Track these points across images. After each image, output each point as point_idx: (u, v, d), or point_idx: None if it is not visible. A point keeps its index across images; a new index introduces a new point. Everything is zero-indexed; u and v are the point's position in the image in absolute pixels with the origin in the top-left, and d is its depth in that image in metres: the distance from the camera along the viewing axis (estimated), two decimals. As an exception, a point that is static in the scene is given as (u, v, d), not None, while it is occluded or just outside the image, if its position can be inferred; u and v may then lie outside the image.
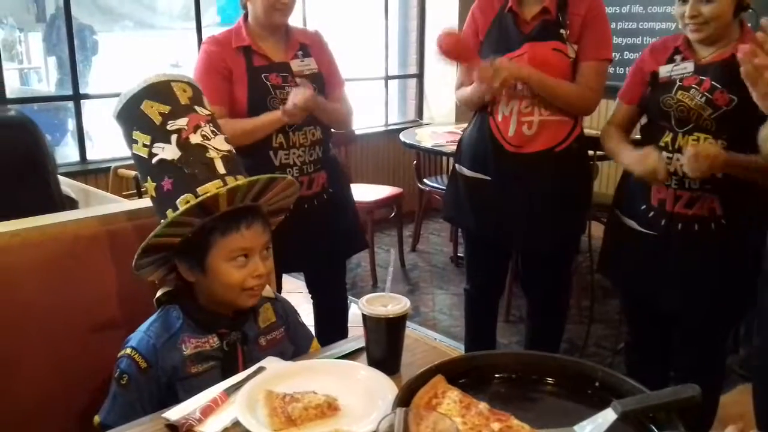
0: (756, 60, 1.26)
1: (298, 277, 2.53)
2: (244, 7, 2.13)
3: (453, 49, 1.97)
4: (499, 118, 2.11)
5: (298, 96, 1.97)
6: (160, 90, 1.26)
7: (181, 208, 1.19)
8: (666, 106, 1.83)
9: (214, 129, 1.29)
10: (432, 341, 1.41)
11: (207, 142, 1.25)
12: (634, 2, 4.25)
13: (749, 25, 1.83)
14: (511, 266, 2.93)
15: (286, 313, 1.40)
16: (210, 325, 1.26)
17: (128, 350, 1.22)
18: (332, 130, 2.27)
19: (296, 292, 2.56)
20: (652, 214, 1.90)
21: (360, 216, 2.50)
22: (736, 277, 1.86)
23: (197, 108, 1.29)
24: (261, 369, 1.15)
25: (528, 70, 1.99)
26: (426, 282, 3.87)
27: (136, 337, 1.24)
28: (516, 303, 3.31)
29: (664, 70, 1.87)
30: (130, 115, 1.26)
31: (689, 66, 1.83)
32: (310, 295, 2.46)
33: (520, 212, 2.13)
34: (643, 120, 2.03)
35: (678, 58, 1.86)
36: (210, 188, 1.20)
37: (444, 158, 4.34)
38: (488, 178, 2.17)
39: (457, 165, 2.30)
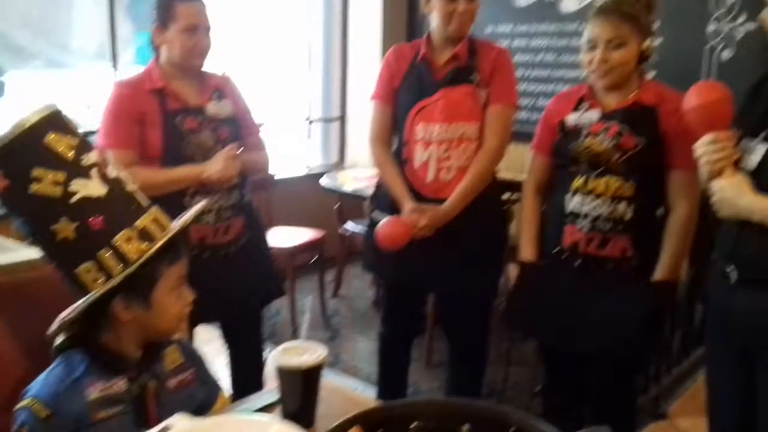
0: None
1: (213, 326, 2.44)
2: (156, 50, 2.08)
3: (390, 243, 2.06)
4: (416, 164, 2.14)
5: (222, 168, 1.96)
6: (60, 122, 1.16)
7: (122, 245, 1.12)
8: (576, 152, 1.90)
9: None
10: (350, 391, 1.37)
11: (120, 175, 1.19)
12: (546, 51, 4.45)
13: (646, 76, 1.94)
14: (431, 310, 2.94)
15: (193, 354, 1.35)
16: (117, 367, 1.18)
17: (26, 401, 1.12)
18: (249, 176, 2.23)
19: (211, 343, 2.46)
20: (565, 256, 1.94)
21: (280, 261, 2.45)
22: (647, 317, 1.92)
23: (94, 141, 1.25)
24: (167, 429, 1.08)
25: (443, 212, 2.07)
26: (347, 328, 3.82)
27: (34, 387, 1.15)
28: (437, 347, 3.30)
29: (572, 119, 1.94)
30: (27, 152, 1.11)
31: (595, 114, 1.91)
32: (225, 346, 2.36)
33: (439, 257, 2.14)
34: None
35: (584, 106, 1.94)
36: (146, 221, 1.16)
37: (366, 202, 4.34)
38: None
39: (375, 211, 2.30)
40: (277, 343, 1.30)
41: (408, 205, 2.09)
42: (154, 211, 1.19)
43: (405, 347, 2.45)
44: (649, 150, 1.83)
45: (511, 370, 3.06)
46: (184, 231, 1.20)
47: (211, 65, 2.18)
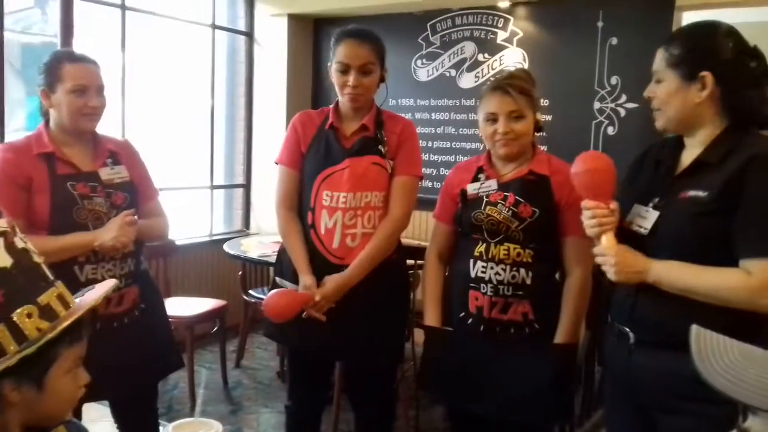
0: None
1: (103, 403, 2.27)
2: (45, 115, 2.00)
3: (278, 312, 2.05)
4: (322, 231, 2.12)
5: (116, 235, 1.87)
6: None
7: (21, 321, 1.02)
8: (477, 221, 1.95)
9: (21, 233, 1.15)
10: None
11: (27, 245, 1.11)
12: (447, 125, 4.65)
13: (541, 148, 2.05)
14: (338, 379, 2.87)
15: None
16: None
17: None
18: (145, 243, 2.14)
19: (100, 421, 2.28)
20: (470, 321, 1.96)
21: (179, 331, 2.33)
22: (552, 380, 1.95)
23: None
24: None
25: (344, 279, 2.07)
26: (250, 400, 3.66)
27: None
28: (344, 417, 3.22)
29: (472, 188, 2.01)
30: None
31: (493, 184, 1.99)
32: (116, 425, 2.19)
33: (345, 324, 2.11)
34: None
35: (482, 176, 2.02)
36: (50, 298, 1.07)
37: (271, 269, 4.26)
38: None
39: (278, 279, 2.24)
40: (174, 419, 1.22)
41: (304, 279, 2.07)
42: (59, 286, 1.11)
43: (313, 419, 2.37)
44: (544, 218, 1.92)
45: (419, 438, 3.01)
46: (88, 311, 1.12)
47: (108, 128, 2.11)
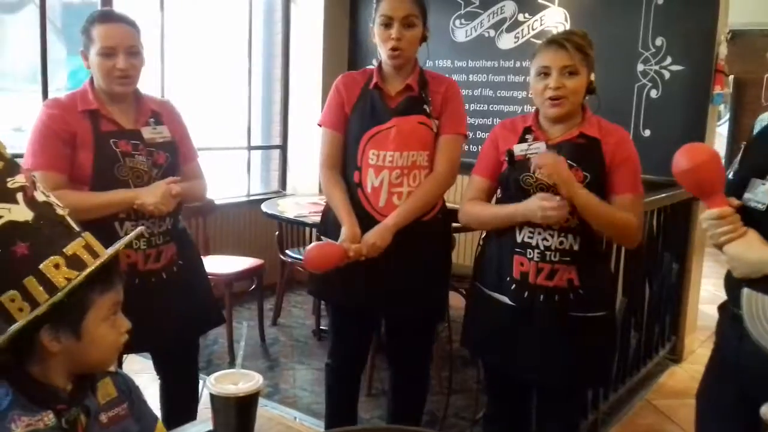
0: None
1: (145, 356, 2.35)
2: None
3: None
4: (369, 189, 2.14)
5: (158, 201, 1.92)
6: None
7: (49, 271, 1.06)
8: (526, 185, 1.90)
9: (45, 189, 1.18)
10: (288, 420, 1.34)
11: (50, 199, 1.13)
12: (485, 87, 4.57)
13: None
14: (374, 338, 2.91)
15: (129, 388, 1.28)
16: (45, 400, 1.10)
17: None
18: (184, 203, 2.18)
19: (143, 373, 2.37)
20: (514, 287, 1.94)
21: (218, 289, 2.40)
22: (595, 344, 1.95)
23: (20, 162, 1.18)
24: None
25: (384, 228, 2.07)
26: (287, 357, 3.75)
27: None
28: (378, 376, 3.28)
29: (519, 149, 1.95)
30: None
31: (542, 146, 1.92)
32: (158, 376, 2.28)
33: (390, 280, 2.13)
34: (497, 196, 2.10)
35: (529, 137, 1.96)
36: (76, 247, 1.10)
37: (307, 229, 4.31)
38: None
39: (323, 237, 2.28)
40: (214, 372, 1.26)
41: (345, 229, 2.08)
42: (86, 236, 1.13)
43: (353, 377, 2.42)
44: (595, 183, 1.86)
45: (452, 398, 3.06)
46: (115, 258, 1.15)
47: (147, 89, 2.13)
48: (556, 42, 1.88)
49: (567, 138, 1.92)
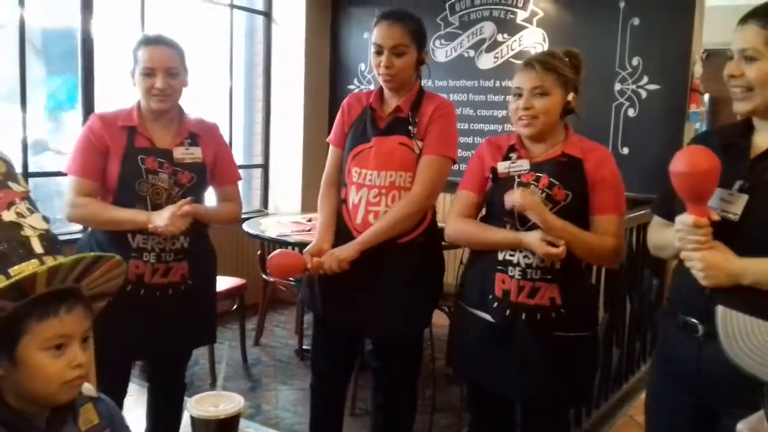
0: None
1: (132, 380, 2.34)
2: None
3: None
4: (350, 206, 2.17)
5: (167, 224, 1.98)
6: None
7: None
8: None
9: (30, 207, 1.16)
10: (271, 441, 1.33)
11: (22, 219, 1.12)
12: (466, 106, 4.62)
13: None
14: (357, 358, 2.90)
15: (111, 414, 1.25)
16: (20, 428, 1.08)
17: None
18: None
19: (127, 396, 2.33)
20: (496, 304, 1.94)
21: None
22: (576, 364, 1.95)
23: (11, 184, 1.17)
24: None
25: (352, 248, 2.11)
26: (269, 377, 3.71)
27: None
28: (361, 395, 3.26)
29: (503, 167, 1.96)
30: None
31: (525, 164, 1.94)
32: (146, 392, 2.32)
33: (364, 300, 2.15)
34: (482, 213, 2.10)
35: (513, 155, 1.97)
36: (25, 269, 1.06)
37: (289, 248, 4.29)
38: None
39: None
40: (194, 395, 1.25)
41: (314, 243, 2.19)
42: (47, 259, 1.09)
43: (337, 395, 2.41)
44: (578, 202, 1.88)
45: (435, 416, 3.05)
46: (64, 281, 1.10)
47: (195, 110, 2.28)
48: (528, 63, 1.93)
49: (549, 157, 1.93)
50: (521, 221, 1.89)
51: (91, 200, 2.05)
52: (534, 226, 1.86)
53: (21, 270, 1.06)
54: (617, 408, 3.41)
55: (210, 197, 2.31)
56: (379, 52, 2.13)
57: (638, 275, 3.55)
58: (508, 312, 1.92)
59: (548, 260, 1.85)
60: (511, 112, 1.96)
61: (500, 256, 1.93)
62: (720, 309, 1.01)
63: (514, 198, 1.83)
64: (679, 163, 1.45)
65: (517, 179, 1.92)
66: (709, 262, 1.42)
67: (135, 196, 2.05)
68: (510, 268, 1.91)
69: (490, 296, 1.95)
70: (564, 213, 1.86)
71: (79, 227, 3.38)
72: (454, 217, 2.06)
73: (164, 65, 2.07)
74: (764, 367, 0.94)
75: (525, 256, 1.89)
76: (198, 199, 2.16)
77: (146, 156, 2.07)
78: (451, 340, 2.17)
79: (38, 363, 1.07)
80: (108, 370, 1.82)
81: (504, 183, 1.94)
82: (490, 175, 1.98)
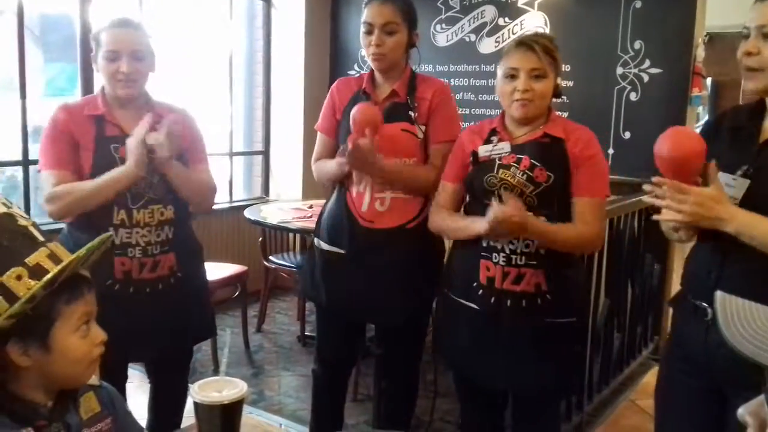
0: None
1: (133, 366, 2.34)
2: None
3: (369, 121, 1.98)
4: (354, 193, 2.15)
5: (133, 160, 1.89)
6: None
7: (11, 283, 1.03)
8: (490, 185, 1.88)
9: (7, 200, 1.16)
10: (274, 427, 1.34)
11: (11, 210, 1.12)
12: (467, 91, 4.60)
13: (556, 113, 1.98)
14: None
15: (112, 401, 1.26)
16: (25, 417, 1.08)
17: None
18: (190, 210, 2.15)
19: (129, 382, 2.34)
20: (481, 292, 1.92)
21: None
22: (563, 351, 1.95)
23: None
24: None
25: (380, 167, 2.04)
26: (271, 364, 3.73)
27: None
28: (363, 381, 3.27)
29: (484, 150, 1.94)
30: None
31: (506, 146, 1.91)
32: (149, 381, 2.29)
33: (372, 286, 2.14)
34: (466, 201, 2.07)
35: (494, 138, 1.94)
36: (39, 257, 1.07)
37: (291, 235, 4.30)
38: (343, 251, 2.17)
39: (315, 239, 2.28)
40: (198, 380, 1.25)
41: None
42: (51, 246, 1.11)
43: (340, 383, 2.42)
44: (560, 183, 1.85)
45: (438, 401, 3.05)
46: (80, 265, 1.11)
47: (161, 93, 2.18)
48: (524, 44, 1.87)
49: (531, 138, 1.91)
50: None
51: (70, 185, 1.93)
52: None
53: (37, 259, 1.07)
54: (619, 393, 3.42)
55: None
56: (369, 32, 2.09)
57: (640, 260, 3.54)
58: (493, 299, 1.89)
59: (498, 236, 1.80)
60: (504, 93, 1.90)
61: (484, 243, 1.89)
62: (719, 294, 1.00)
63: (494, 223, 1.75)
64: (667, 146, 1.43)
65: (498, 161, 1.90)
66: (702, 194, 1.38)
67: None
68: (494, 254, 1.88)
69: (475, 284, 1.92)
70: (546, 194, 1.84)
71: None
72: (433, 208, 2.07)
73: (129, 48, 1.96)
74: (764, 352, 0.94)
75: (509, 242, 1.85)
76: None
77: (119, 145, 1.97)
78: (437, 331, 2.14)
79: (71, 345, 1.09)
80: (103, 374, 1.76)
81: (485, 166, 1.91)
82: (471, 160, 1.95)
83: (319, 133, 2.29)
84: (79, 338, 1.11)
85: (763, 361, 0.94)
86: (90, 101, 2.05)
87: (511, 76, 1.87)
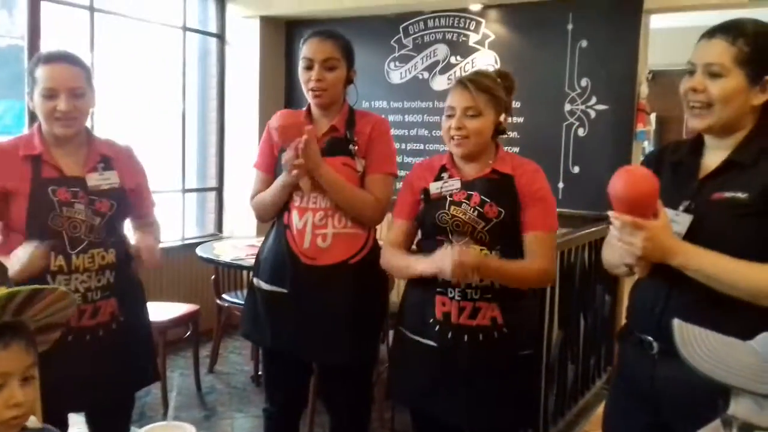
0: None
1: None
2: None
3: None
4: (294, 231, 2.12)
5: (19, 269, 1.75)
6: None
7: None
8: (442, 222, 1.89)
9: None
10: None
11: None
12: (420, 127, 4.67)
13: (505, 149, 2.01)
14: (314, 382, 2.86)
15: None
16: None
17: None
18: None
19: (73, 427, 2.24)
20: (437, 328, 1.91)
21: (152, 337, 2.32)
22: (522, 384, 1.95)
23: None
24: None
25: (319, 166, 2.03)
26: (224, 405, 3.62)
27: None
28: (319, 420, 3.21)
29: (434, 187, 1.95)
30: None
31: (456, 183, 1.93)
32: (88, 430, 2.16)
33: (318, 325, 2.11)
34: (418, 237, 2.08)
35: (445, 175, 1.96)
36: None
37: (244, 272, 4.23)
38: (285, 290, 2.13)
39: (255, 279, 2.24)
40: (146, 425, 1.21)
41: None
42: None
43: (291, 423, 2.36)
44: (510, 218, 1.87)
45: (394, 440, 3.02)
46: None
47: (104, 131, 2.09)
48: (461, 83, 1.92)
49: (481, 175, 1.93)
50: (456, 238, 1.87)
51: None
52: (470, 241, 1.86)
53: None
54: (574, 424, 3.43)
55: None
56: (309, 67, 2.11)
57: (591, 292, 3.60)
58: (450, 335, 1.88)
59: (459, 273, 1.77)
60: (443, 131, 1.94)
61: (439, 278, 1.88)
62: (676, 321, 1.05)
63: (444, 266, 1.75)
64: (615, 186, 1.43)
65: (449, 198, 1.91)
66: (654, 231, 1.39)
67: (48, 231, 1.83)
68: (449, 289, 1.88)
69: (431, 320, 1.91)
70: (497, 230, 1.86)
71: None
72: (385, 246, 2.07)
73: (67, 85, 1.86)
74: (720, 369, 0.98)
75: (449, 264, 1.80)
76: (118, 228, 2.02)
77: (57, 187, 1.86)
78: (392, 370, 2.10)
79: None
80: (43, 422, 1.67)
81: (436, 203, 1.93)
82: (422, 197, 1.97)
83: (256, 171, 2.27)
84: None
85: (720, 378, 0.99)
86: (25, 141, 1.92)
87: (449, 115, 1.91)
